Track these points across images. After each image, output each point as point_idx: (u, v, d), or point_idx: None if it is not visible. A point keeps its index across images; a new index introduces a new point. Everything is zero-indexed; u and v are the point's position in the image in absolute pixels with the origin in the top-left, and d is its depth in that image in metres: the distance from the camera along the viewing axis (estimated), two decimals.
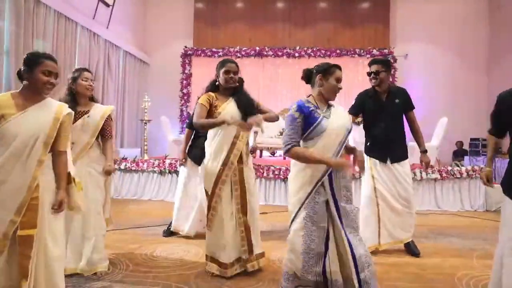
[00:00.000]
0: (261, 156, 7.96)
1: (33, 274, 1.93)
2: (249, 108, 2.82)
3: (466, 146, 9.14)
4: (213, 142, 2.85)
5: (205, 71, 9.81)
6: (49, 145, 2.02)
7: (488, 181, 2.41)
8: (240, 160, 2.84)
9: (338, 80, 2.29)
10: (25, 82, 2.06)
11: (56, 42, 6.24)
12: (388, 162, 3.33)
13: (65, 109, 2.12)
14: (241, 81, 2.93)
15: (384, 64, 3.34)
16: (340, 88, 2.31)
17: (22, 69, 2.06)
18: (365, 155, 3.36)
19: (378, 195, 3.31)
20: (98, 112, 2.84)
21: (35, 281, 1.95)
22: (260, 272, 2.88)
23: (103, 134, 2.89)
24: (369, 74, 3.38)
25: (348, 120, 2.36)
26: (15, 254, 1.93)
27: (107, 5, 7.95)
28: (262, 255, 2.93)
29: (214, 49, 9.88)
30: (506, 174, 2.07)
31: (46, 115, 2.04)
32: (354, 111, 3.47)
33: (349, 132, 2.31)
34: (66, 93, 2.82)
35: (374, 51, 9.55)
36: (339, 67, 2.32)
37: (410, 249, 3.40)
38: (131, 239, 3.73)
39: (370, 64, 3.40)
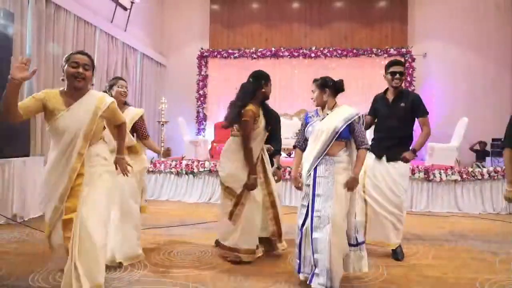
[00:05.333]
0: None
1: (74, 254, 2.06)
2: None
3: (488, 147, 8.89)
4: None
5: (221, 72, 9.88)
6: (88, 138, 2.21)
7: None
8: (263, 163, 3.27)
9: (313, 92, 2.79)
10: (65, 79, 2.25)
11: (75, 46, 6.36)
12: (384, 160, 3.31)
13: (106, 100, 2.30)
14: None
15: (404, 67, 3.38)
16: (312, 99, 2.81)
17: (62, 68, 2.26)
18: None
19: (366, 191, 3.30)
20: (129, 114, 3.12)
21: (79, 260, 2.07)
22: (276, 274, 2.88)
23: (138, 135, 3.22)
24: (393, 73, 3.30)
25: (340, 121, 2.56)
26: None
27: (125, 8, 8.08)
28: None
29: (230, 51, 9.91)
30: None
31: (86, 110, 2.23)
32: (370, 113, 3.59)
33: (337, 133, 2.55)
34: None
35: (392, 50, 9.39)
36: (315, 80, 2.82)
37: (396, 254, 3.25)
38: (149, 239, 3.77)
39: (392, 64, 3.34)
